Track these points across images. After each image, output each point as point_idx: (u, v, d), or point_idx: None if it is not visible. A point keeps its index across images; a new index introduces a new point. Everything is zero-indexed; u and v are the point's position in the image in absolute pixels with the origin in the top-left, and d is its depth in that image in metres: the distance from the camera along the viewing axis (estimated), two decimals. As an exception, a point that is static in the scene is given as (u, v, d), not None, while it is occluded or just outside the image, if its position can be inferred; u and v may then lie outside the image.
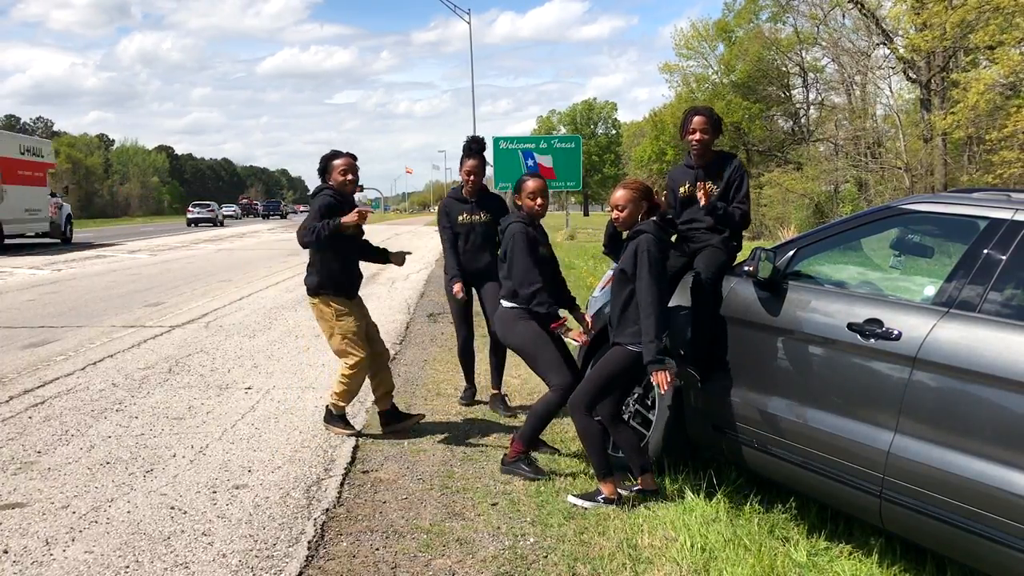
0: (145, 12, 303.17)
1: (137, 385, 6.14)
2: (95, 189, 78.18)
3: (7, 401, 5.65)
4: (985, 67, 22.39)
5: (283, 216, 75.74)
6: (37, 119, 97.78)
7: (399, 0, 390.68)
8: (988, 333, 2.77)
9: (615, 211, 3.91)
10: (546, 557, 3.28)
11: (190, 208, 49.04)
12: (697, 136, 4.22)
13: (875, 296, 3.37)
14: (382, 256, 5.27)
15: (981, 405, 2.74)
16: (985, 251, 2.96)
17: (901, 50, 27.09)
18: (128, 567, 3.16)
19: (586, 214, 78.73)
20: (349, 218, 4.63)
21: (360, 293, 5.12)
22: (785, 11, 37.48)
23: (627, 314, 3.75)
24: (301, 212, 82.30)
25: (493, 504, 3.83)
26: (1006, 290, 2.87)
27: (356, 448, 4.67)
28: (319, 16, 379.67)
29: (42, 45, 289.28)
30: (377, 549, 3.36)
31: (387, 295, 11.94)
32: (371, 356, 4.86)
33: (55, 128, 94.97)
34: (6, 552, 3.29)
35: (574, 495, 3.86)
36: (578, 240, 26.54)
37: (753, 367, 3.69)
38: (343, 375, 4.77)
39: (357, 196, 5.12)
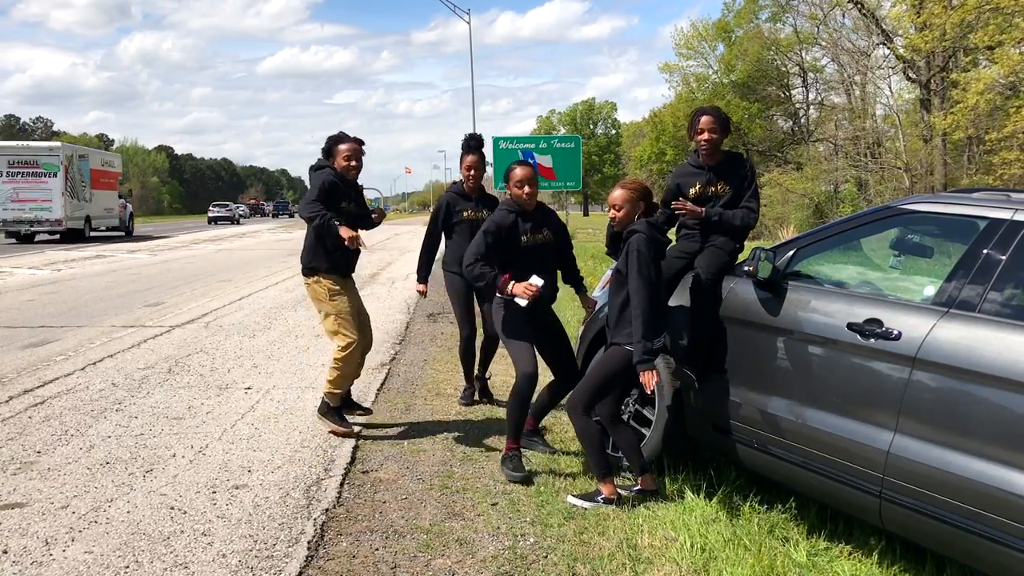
0: (145, 12, 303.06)
1: (137, 385, 6.14)
2: (95, 189, 77.91)
3: (7, 401, 5.64)
4: (985, 67, 22.40)
5: (291, 216, 79.29)
6: (37, 119, 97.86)
7: (399, 0, 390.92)
8: (988, 333, 2.77)
9: (612, 211, 3.92)
10: (546, 557, 3.28)
11: (211, 208, 56.63)
12: (706, 136, 4.21)
13: (875, 296, 3.37)
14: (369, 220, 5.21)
15: (981, 405, 2.74)
16: (985, 251, 2.96)
17: (901, 50, 27.10)
18: (128, 567, 3.16)
19: (586, 214, 78.74)
20: (346, 234, 4.49)
21: (360, 293, 5.13)
22: (785, 11, 37.52)
23: (624, 314, 3.75)
24: None
25: (493, 504, 3.83)
26: (1006, 290, 2.87)
27: (356, 448, 4.67)
28: (319, 16, 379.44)
29: (42, 45, 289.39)
30: (377, 549, 3.36)
31: (387, 295, 11.94)
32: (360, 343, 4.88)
33: (55, 128, 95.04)
34: (6, 552, 3.29)
35: (574, 495, 3.86)
36: (578, 240, 26.53)
37: (753, 367, 3.69)
38: (335, 358, 4.78)
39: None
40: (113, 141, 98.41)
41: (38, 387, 6.05)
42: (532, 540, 3.43)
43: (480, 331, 5.68)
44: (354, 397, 5.45)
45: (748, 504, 3.73)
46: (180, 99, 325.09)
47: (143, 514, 3.67)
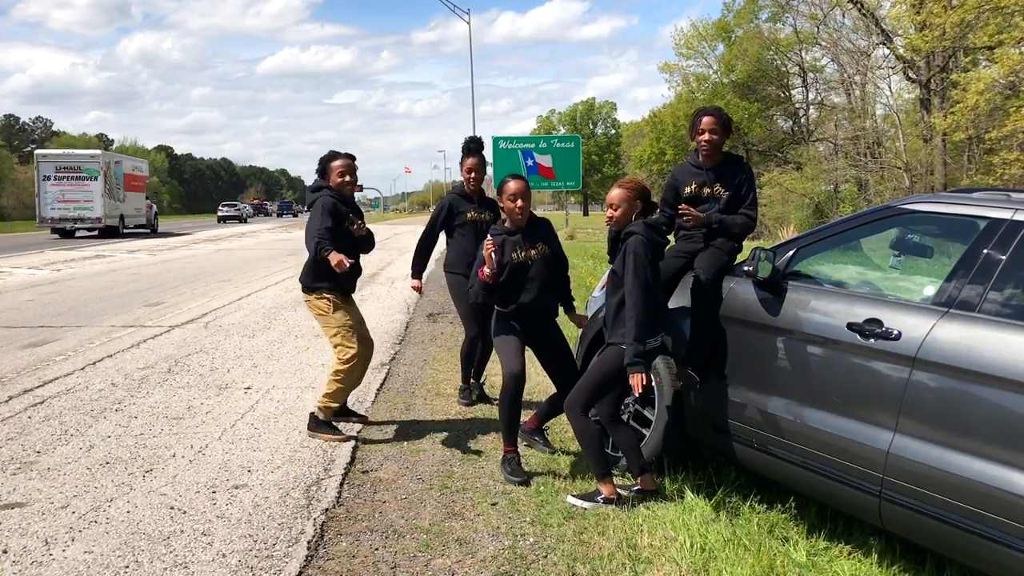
0: (145, 12, 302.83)
1: (136, 385, 6.14)
2: (95, 189, 77.95)
3: (7, 401, 5.64)
4: (985, 67, 22.40)
5: (295, 215, 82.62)
6: (36, 119, 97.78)
7: (399, 0, 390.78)
8: (988, 333, 2.77)
9: (609, 210, 3.91)
10: (546, 557, 3.27)
11: (220, 207, 61.60)
12: (707, 136, 4.20)
13: (875, 296, 3.37)
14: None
15: (981, 405, 2.74)
16: (985, 251, 2.96)
17: (901, 50, 27.10)
18: (128, 567, 3.16)
19: (585, 214, 78.72)
20: (336, 263, 4.40)
21: (360, 293, 5.13)
22: (785, 11, 37.52)
23: (620, 315, 3.75)
24: (305, 212, 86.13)
25: (493, 504, 3.83)
26: (1006, 290, 2.87)
27: (356, 448, 4.67)
28: (319, 16, 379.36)
29: (42, 45, 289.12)
30: (377, 549, 3.36)
31: (387, 295, 11.94)
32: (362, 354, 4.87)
33: (54, 128, 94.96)
34: (5, 552, 3.28)
35: (573, 496, 3.85)
36: (578, 240, 26.53)
37: (753, 367, 3.69)
38: (336, 370, 4.76)
39: (356, 196, 5.11)
40: (113, 141, 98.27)
41: (38, 387, 6.05)
42: (532, 540, 3.43)
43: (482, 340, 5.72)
44: (354, 397, 5.45)
45: (748, 504, 3.73)
46: (180, 99, 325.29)
47: (143, 514, 3.67)
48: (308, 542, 3.40)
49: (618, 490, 3.81)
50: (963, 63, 25.35)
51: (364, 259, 5.17)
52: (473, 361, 5.74)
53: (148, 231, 35.22)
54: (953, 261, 3.11)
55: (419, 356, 7.44)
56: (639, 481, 3.90)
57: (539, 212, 4.75)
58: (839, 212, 28.92)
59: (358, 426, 5.10)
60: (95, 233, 30.43)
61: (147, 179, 36.76)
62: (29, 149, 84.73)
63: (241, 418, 5.27)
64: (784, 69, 40.15)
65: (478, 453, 4.61)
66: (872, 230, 3.66)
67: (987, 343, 2.74)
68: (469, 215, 5.47)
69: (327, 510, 3.75)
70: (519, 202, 4.19)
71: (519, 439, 4.38)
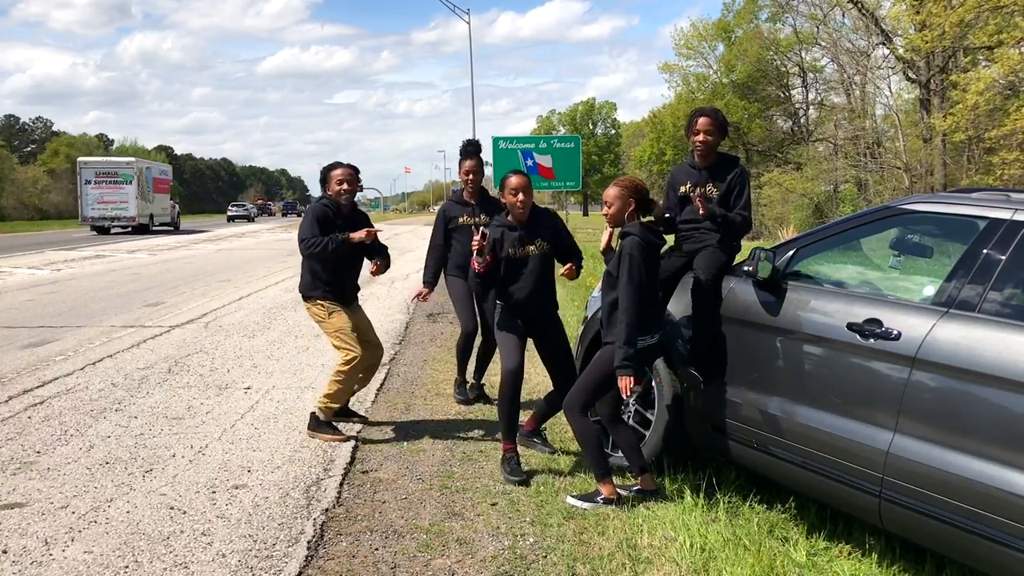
0: (146, 12, 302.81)
1: (136, 385, 6.14)
2: (95, 189, 77.98)
3: (6, 401, 5.64)
4: (985, 67, 22.39)
5: (299, 215, 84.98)
6: (36, 119, 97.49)
7: (399, 0, 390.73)
8: (987, 333, 2.76)
9: (605, 207, 3.94)
10: (545, 557, 3.27)
11: (230, 207, 66.17)
12: (701, 137, 4.22)
13: (874, 296, 3.37)
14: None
15: (981, 405, 2.74)
16: (984, 251, 2.96)
17: (900, 50, 27.10)
18: (127, 567, 3.16)
19: (585, 214, 78.69)
20: (358, 235, 4.75)
21: (360, 293, 5.16)
22: (784, 11, 37.51)
23: (615, 315, 3.76)
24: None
25: (493, 504, 3.83)
26: (1005, 290, 2.86)
27: (355, 448, 4.67)
28: (319, 16, 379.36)
29: (42, 45, 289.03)
30: (377, 549, 3.36)
31: (387, 295, 11.94)
32: (364, 357, 4.88)
33: (54, 128, 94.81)
34: (5, 552, 3.28)
35: (573, 496, 3.85)
36: (578, 240, 26.47)
37: (753, 367, 3.69)
38: (337, 371, 4.78)
39: (356, 196, 5.13)
40: (113, 141, 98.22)
41: (38, 387, 6.05)
42: (532, 540, 3.43)
43: (479, 335, 5.72)
44: (354, 397, 5.45)
45: (748, 504, 3.73)
46: (180, 99, 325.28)
47: (143, 514, 3.67)
48: (308, 542, 3.40)
49: (618, 490, 3.81)
50: (963, 63, 25.35)
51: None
52: (469, 356, 5.78)
53: (172, 228, 38.84)
54: (953, 261, 3.11)
55: (419, 356, 7.44)
56: (639, 481, 3.90)
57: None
58: (839, 212, 28.92)
59: (358, 426, 5.11)
60: (128, 230, 34.04)
61: (171, 183, 40.84)
62: (29, 149, 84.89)
63: (241, 418, 5.27)
64: (784, 69, 40.15)
65: (478, 453, 4.61)
66: (872, 230, 3.66)
67: (987, 343, 2.74)
68: (461, 220, 5.56)
69: (327, 510, 3.75)
70: (520, 196, 4.22)
71: (517, 442, 4.38)
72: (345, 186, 4.86)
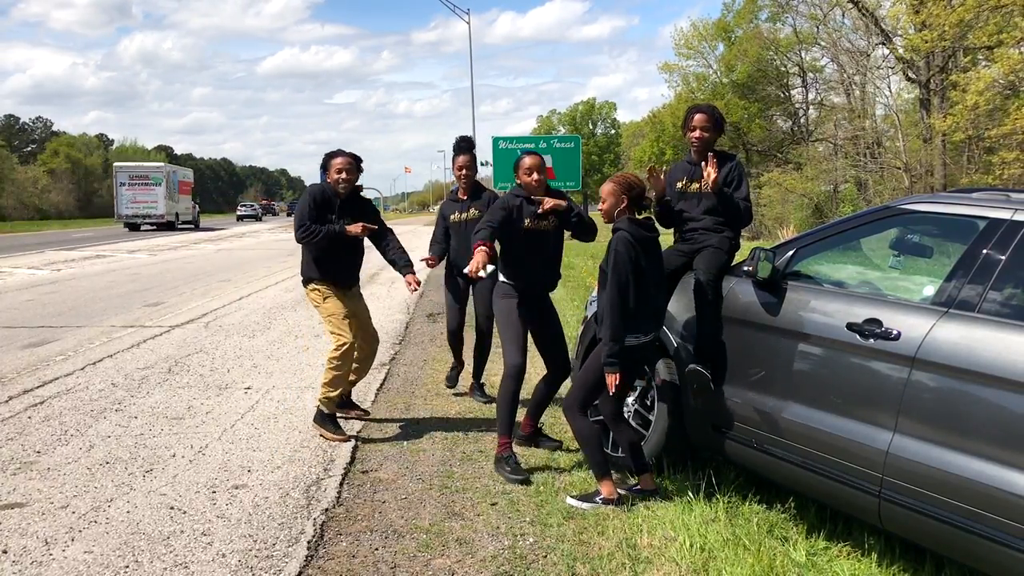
0: (146, 12, 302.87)
1: (136, 385, 6.14)
2: (94, 189, 77.96)
3: (7, 401, 5.64)
4: (985, 67, 22.39)
5: None
6: (36, 119, 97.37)
7: (399, 0, 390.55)
8: (987, 333, 2.77)
9: (600, 203, 3.97)
10: (545, 557, 3.28)
11: (239, 207, 70.47)
12: (697, 134, 4.24)
13: (874, 296, 3.37)
14: (394, 265, 5.21)
15: (980, 405, 2.74)
16: (984, 251, 2.96)
17: (900, 50, 27.08)
18: (127, 567, 3.16)
19: (585, 214, 78.67)
20: (353, 229, 4.81)
21: (360, 293, 5.19)
22: (784, 11, 37.45)
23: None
24: None
25: (493, 504, 3.83)
26: (1005, 290, 2.87)
27: (355, 448, 4.67)
28: (320, 16, 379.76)
29: (42, 45, 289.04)
30: (376, 549, 3.36)
31: (387, 295, 11.94)
32: (360, 347, 4.99)
33: (54, 128, 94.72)
34: (5, 552, 3.29)
35: (573, 496, 3.85)
36: (577, 240, 26.48)
37: (752, 367, 3.69)
38: (330, 357, 4.81)
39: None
40: (113, 141, 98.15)
41: (38, 387, 6.05)
42: (532, 540, 3.43)
43: (474, 335, 5.79)
44: (355, 397, 5.46)
45: (748, 504, 3.74)
46: (180, 99, 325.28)
47: (143, 514, 3.67)
48: (308, 542, 3.40)
49: (618, 490, 3.81)
50: (963, 63, 25.33)
51: (364, 259, 5.20)
52: (461, 344, 5.93)
53: (193, 226, 42.84)
54: (953, 261, 3.11)
55: (419, 356, 7.45)
56: (639, 481, 3.90)
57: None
58: (839, 212, 28.90)
59: (358, 426, 5.11)
60: (155, 227, 38.49)
61: (192, 185, 45.30)
62: (29, 149, 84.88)
63: (241, 418, 5.27)
64: (784, 69, 40.11)
65: (478, 453, 4.61)
66: (872, 230, 3.66)
67: (986, 343, 2.74)
68: (453, 217, 5.69)
69: (327, 510, 3.75)
70: (535, 175, 4.34)
71: (515, 443, 4.39)
72: (344, 175, 4.88)
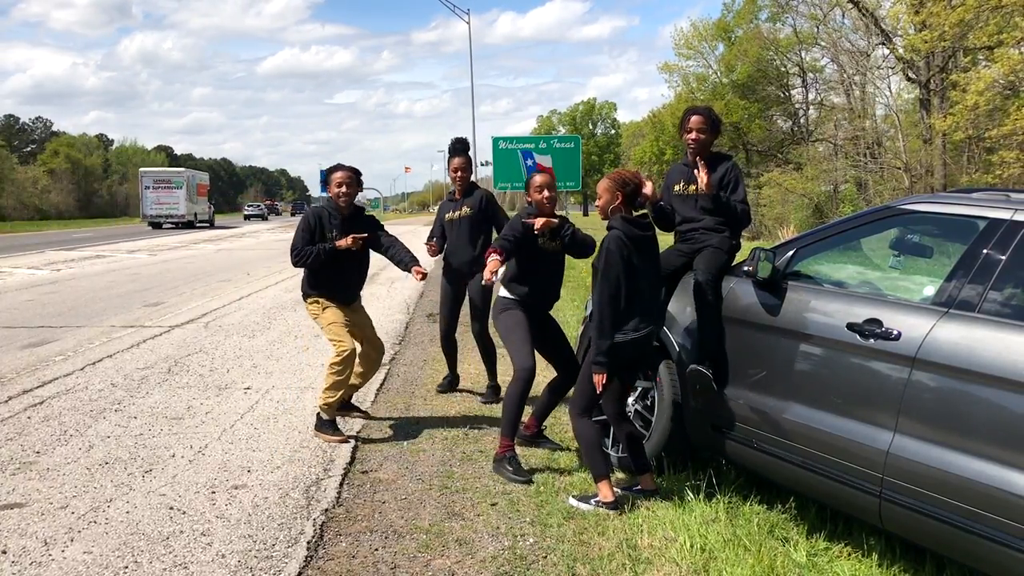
0: (146, 12, 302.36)
1: (136, 385, 6.14)
2: (94, 189, 78.16)
3: (6, 401, 5.64)
4: (985, 67, 22.37)
5: None
6: (36, 119, 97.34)
7: (399, 0, 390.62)
8: (987, 333, 2.76)
9: (597, 199, 3.98)
10: (545, 557, 3.27)
11: (246, 207, 73.48)
12: (694, 135, 4.25)
13: (874, 296, 3.37)
14: (401, 264, 5.22)
15: (980, 405, 2.74)
16: (984, 251, 2.96)
17: (900, 50, 27.08)
18: (127, 567, 3.16)
19: (585, 214, 78.64)
20: (343, 242, 4.88)
21: (360, 293, 5.20)
22: (784, 11, 37.44)
23: None
24: None
25: (493, 504, 3.83)
26: (1005, 290, 2.86)
27: (355, 448, 4.67)
28: (320, 16, 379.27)
29: (42, 45, 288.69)
30: (376, 549, 3.35)
31: (387, 295, 11.94)
32: (362, 354, 5.05)
33: (54, 128, 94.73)
34: (5, 552, 3.28)
35: (574, 496, 3.85)
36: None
37: (753, 367, 3.68)
38: (331, 363, 4.81)
39: (357, 196, 5.20)
40: (113, 141, 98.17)
41: (37, 387, 6.05)
42: (532, 540, 3.43)
43: (469, 335, 5.82)
44: (355, 397, 5.45)
45: (748, 504, 3.73)
46: (180, 99, 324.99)
47: (142, 514, 3.67)
48: (308, 542, 3.39)
49: (617, 490, 3.80)
50: (963, 63, 25.33)
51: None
52: (455, 350, 6.01)
53: (208, 225, 46.64)
54: (953, 261, 3.11)
55: (419, 356, 7.45)
56: (640, 481, 3.89)
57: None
58: (839, 212, 28.89)
59: (358, 426, 5.11)
60: (176, 226, 41.89)
61: (208, 187, 49.18)
62: (29, 149, 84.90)
63: (241, 418, 5.27)
64: (784, 69, 40.10)
65: (478, 453, 4.60)
66: (872, 230, 3.66)
67: (987, 343, 2.74)
68: (447, 215, 5.81)
69: (327, 510, 3.75)
70: (546, 193, 4.40)
71: (516, 443, 4.38)
72: (344, 189, 4.97)
